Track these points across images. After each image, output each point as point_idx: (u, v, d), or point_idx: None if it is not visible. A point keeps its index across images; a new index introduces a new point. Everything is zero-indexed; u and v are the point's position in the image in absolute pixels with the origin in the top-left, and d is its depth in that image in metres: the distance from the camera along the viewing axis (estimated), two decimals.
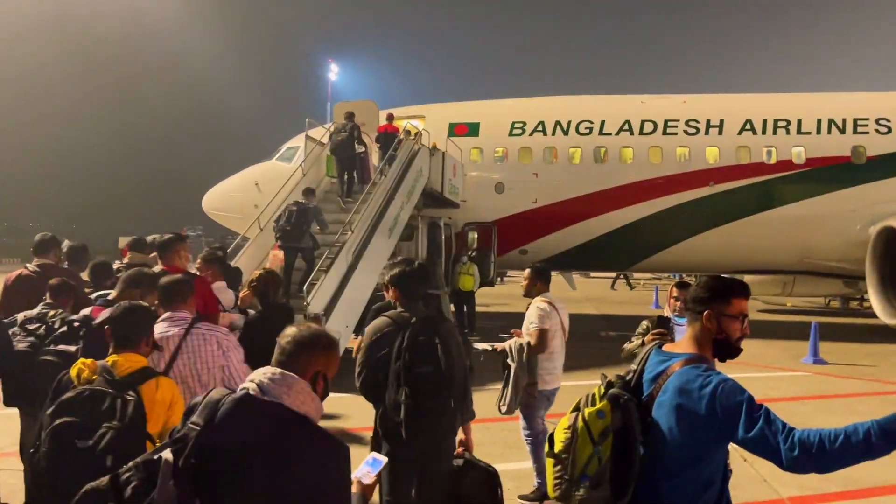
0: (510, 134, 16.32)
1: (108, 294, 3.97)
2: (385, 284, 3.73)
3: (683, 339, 2.31)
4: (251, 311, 4.97)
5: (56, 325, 3.58)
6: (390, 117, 13.61)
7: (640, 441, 2.16)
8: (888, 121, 15.28)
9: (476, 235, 16.21)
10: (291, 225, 9.32)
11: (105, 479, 1.68)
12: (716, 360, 2.29)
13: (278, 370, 1.81)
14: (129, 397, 2.43)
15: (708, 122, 15.85)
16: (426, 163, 13.40)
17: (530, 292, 5.22)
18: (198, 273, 5.03)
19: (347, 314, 9.09)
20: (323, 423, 1.86)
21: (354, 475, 2.06)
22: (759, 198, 15.28)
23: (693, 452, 2.13)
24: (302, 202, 9.78)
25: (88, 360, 2.57)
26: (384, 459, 2.18)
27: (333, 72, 37.37)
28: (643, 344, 4.08)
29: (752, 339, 2.52)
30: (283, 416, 1.72)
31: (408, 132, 13.72)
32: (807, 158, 15.24)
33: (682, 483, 2.15)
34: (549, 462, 2.27)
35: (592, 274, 34.00)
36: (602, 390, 2.28)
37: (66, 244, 5.83)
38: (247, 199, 15.29)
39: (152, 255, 5.52)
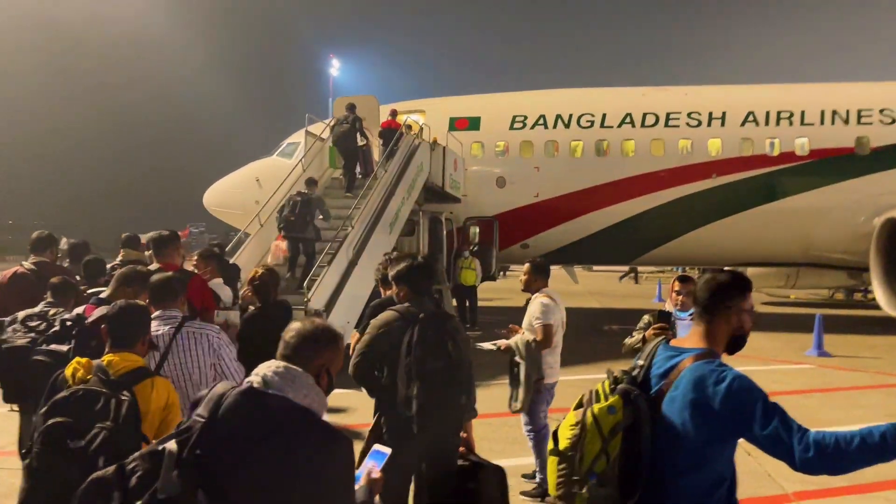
0: (511, 128, 16.23)
1: (102, 292, 3.93)
2: (383, 280, 3.68)
3: (693, 334, 2.27)
4: (251, 308, 4.94)
5: (57, 324, 3.54)
6: (394, 113, 13.54)
7: (650, 437, 2.12)
8: (893, 111, 15.14)
9: (477, 230, 16.17)
10: (296, 215, 9.29)
11: (111, 469, 1.70)
12: (723, 354, 2.28)
13: (282, 364, 1.83)
14: (123, 397, 2.39)
15: (710, 113, 15.74)
16: (427, 157, 13.35)
17: (529, 287, 5.18)
18: (194, 270, 5.00)
19: (348, 310, 9.06)
20: (326, 418, 1.86)
21: (360, 470, 2.07)
22: (762, 190, 15.19)
23: (706, 449, 2.10)
24: (305, 192, 9.74)
25: (84, 360, 2.54)
26: (388, 451, 2.19)
27: (335, 67, 37.27)
28: (644, 339, 4.04)
29: (756, 332, 2.50)
30: (287, 409, 1.73)
31: (408, 127, 13.66)
32: (810, 150, 15.13)
33: (694, 480, 2.11)
34: (552, 460, 2.21)
35: (595, 268, 33.93)
36: (608, 386, 2.24)
37: (64, 242, 5.80)
38: (248, 195, 15.26)
39: (148, 252, 5.49)
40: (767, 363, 10.48)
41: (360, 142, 11.95)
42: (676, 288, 4.21)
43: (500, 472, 3.45)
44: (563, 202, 15.72)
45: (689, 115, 15.81)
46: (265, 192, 12.50)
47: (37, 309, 3.79)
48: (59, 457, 2.28)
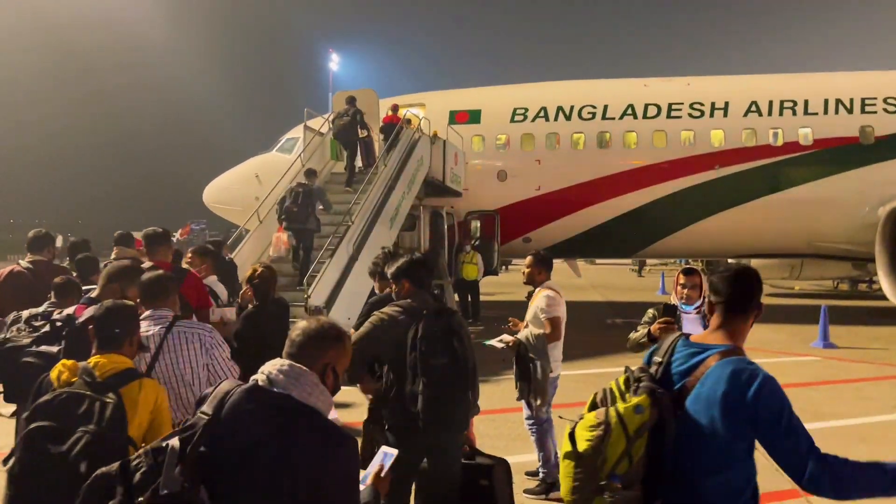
0: (512, 120, 16.12)
1: (93, 290, 3.86)
2: (380, 275, 3.61)
3: (714, 330, 2.21)
4: (249, 306, 4.88)
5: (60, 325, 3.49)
6: (395, 108, 13.45)
7: (673, 437, 2.06)
8: None
9: (479, 224, 16.10)
10: (298, 206, 9.22)
11: (115, 465, 1.71)
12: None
13: (287, 362, 1.83)
14: (108, 400, 2.32)
15: (713, 104, 15.63)
16: (427, 151, 13.26)
17: (533, 280, 5.09)
18: (188, 268, 4.92)
19: (349, 306, 8.98)
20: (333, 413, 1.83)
21: (368, 470, 2.07)
22: (765, 181, 15.08)
23: (734, 447, 2.06)
24: (305, 183, 9.67)
25: (69, 362, 2.47)
26: (395, 452, 2.17)
27: (334, 62, 37.17)
28: (649, 333, 3.94)
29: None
30: (291, 408, 1.73)
31: (408, 121, 13.57)
32: (814, 139, 15.02)
33: (727, 479, 2.06)
34: (566, 464, 2.10)
35: (598, 261, 33.87)
36: (622, 383, 2.15)
37: (59, 240, 5.73)
38: (247, 191, 15.18)
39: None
40: (773, 355, 10.39)
41: (362, 133, 11.89)
42: (681, 281, 4.10)
43: (507, 466, 3.44)
44: (565, 195, 15.62)
45: (691, 105, 15.70)
46: (265, 187, 12.45)
47: (41, 309, 3.73)
48: (40, 462, 2.21)
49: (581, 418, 2.15)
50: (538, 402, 4.76)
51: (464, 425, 3.46)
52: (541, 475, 5.02)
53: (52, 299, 3.97)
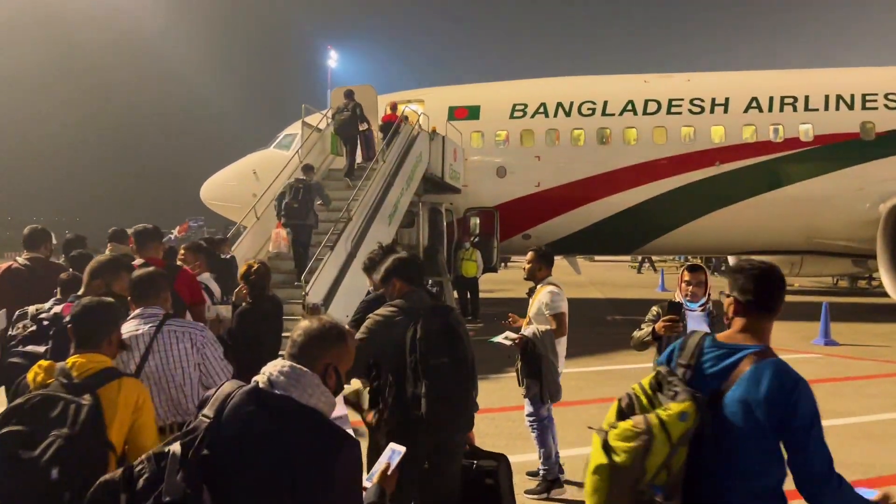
0: (511, 116, 16.03)
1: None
2: (372, 275, 3.52)
3: (740, 330, 2.14)
4: (244, 304, 4.80)
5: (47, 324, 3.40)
6: (394, 106, 13.34)
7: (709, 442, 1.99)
8: None
9: (478, 221, 16.00)
10: (299, 202, 9.14)
11: (118, 472, 1.72)
12: None
13: (288, 363, 1.81)
14: (83, 402, 2.21)
15: (713, 100, 15.55)
16: (426, 147, 13.16)
17: (533, 276, 5.01)
18: (181, 264, 4.83)
19: (347, 303, 8.89)
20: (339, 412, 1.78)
21: (375, 467, 2.06)
22: (766, 177, 15.01)
23: (776, 449, 2.01)
24: (303, 179, 9.58)
25: (46, 363, 2.38)
26: (403, 450, 2.14)
27: (333, 59, 36.99)
28: (653, 331, 3.86)
29: None
30: (292, 409, 1.72)
31: (406, 118, 13.47)
32: (815, 136, 14.94)
33: (765, 483, 2.01)
34: (595, 479, 1.96)
35: (597, 258, 33.81)
36: (649, 388, 2.08)
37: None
38: (245, 187, 15.08)
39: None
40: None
41: (362, 126, 11.80)
42: (686, 278, 4.01)
43: (507, 462, 3.39)
44: (565, 191, 15.53)
45: (691, 101, 15.61)
46: (262, 184, 12.36)
47: (47, 305, 3.65)
48: (9, 468, 2.12)
49: (613, 427, 2.02)
50: (550, 400, 4.70)
51: (470, 424, 3.39)
52: (541, 473, 4.95)
53: (58, 296, 3.88)
